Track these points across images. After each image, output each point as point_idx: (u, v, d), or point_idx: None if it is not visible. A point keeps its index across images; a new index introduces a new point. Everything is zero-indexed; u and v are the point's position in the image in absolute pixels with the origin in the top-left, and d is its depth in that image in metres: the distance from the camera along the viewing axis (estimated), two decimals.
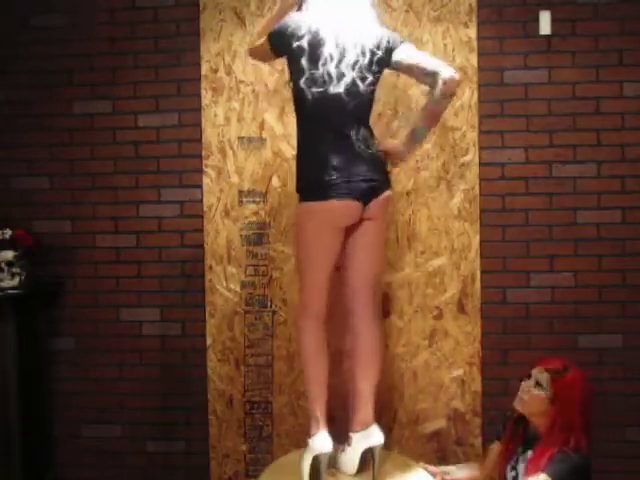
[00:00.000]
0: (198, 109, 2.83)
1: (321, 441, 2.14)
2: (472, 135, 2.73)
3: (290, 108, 2.71)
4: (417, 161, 2.74)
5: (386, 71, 2.64)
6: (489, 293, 2.75)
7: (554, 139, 2.73)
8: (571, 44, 2.72)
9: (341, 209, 2.12)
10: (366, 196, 2.13)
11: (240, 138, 2.81)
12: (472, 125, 2.73)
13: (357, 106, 2.16)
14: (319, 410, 2.19)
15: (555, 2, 2.70)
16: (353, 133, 2.14)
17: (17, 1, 2.91)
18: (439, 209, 2.75)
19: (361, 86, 2.13)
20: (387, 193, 2.22)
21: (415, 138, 2.27)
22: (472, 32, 2.72)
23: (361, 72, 2.14)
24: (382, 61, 2.18)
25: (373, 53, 2.14)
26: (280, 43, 2.18)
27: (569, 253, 2.74)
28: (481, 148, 2.74)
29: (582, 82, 2.72)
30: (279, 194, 2.80)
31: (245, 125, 2.81)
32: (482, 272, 2.75)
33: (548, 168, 2.74)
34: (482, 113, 2.73)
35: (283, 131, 2.77)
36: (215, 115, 2.82)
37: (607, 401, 2.65)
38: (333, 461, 2.21)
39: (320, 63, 2.10)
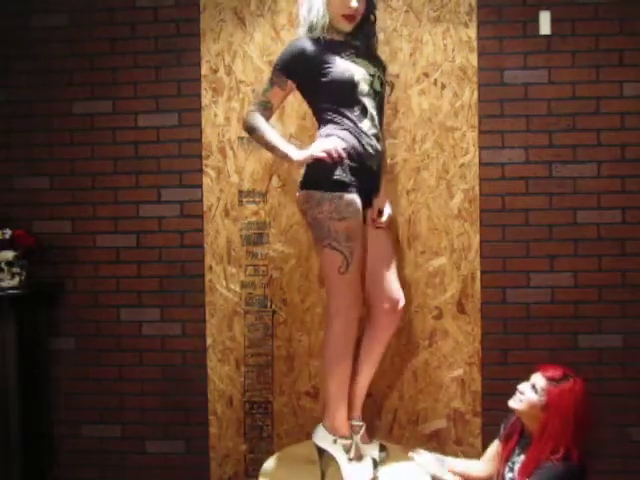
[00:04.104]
0: (198, 109, 2.83)
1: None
2: (472, 135, 2.73)
3: (290, 108, 2.73)
4: (417, 161, 2.74)
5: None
6: (489, 293, 2.75)
7: (554, 139, 2.73)
8: (571, 44, 2.72)
9: None
10: None
11: (240, 138, 2.81)
12: (472, 125, 2.73)
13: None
14: None
15: (555, 2, 2.70)
16: None
17: (17, 1, 2.91)
18: (439, 209, 2.75)
19: None
20: (297, 193, 2.33)
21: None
22: (472, 32, 2.72)
23: None
24: None
25: None
26: None
27: (569, 253, 2.74)
28: (481, 148, 2.74)
29: (582, 82, 2.72)
30: (279, 194, 2.80)
31: None
32: (482, 272, 2.75)
33: (548, 168, 2.74)
34: (482, 113, 2.73)
35: (283, 131, 2.76)
36: (215, 115, 2.82)
37: (607, 401, 2.65)
38: None
39: None
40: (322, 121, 2.31)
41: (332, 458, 2.25)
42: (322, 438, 2.28)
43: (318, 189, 2.20)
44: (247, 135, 2.44)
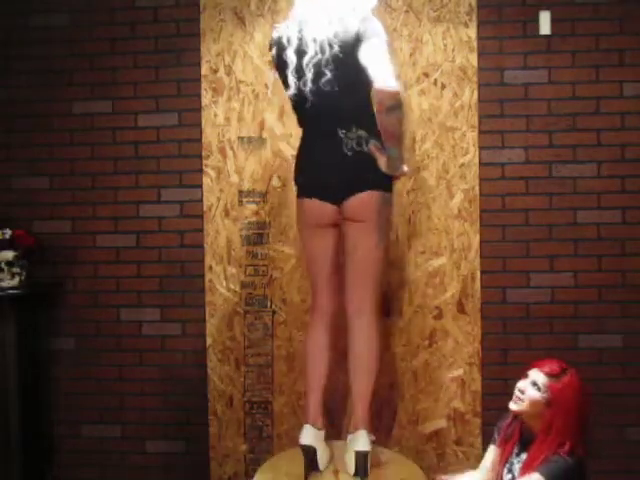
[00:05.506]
0: (198, 109, 2.83)
1: (303, 433, 2.18)
2: (472, 135, 2.73)
3: (290, 108, 2.72)
4: (417, 161, 2.74)
5: None
6: (489, 293, 2.76)
7: (554, 139, 2.73)
8: (571, 44, 2.72)
9: (309, 207, 2.23)
10: (336, 196, 2.17)
11: (240, 138, 2.81)
12: (472, 125, 2.73)
13: (339, 105, 2.12)
14: (311, 402, 2.25)
15: (555, 2, 2.70)
16: (342, 133, 2.13)
17: (17, 1, 2.91)
18: (439, 209, 2.75)
19: (322, 84, 2.10)
20: (365, 193, 2.13)
21: (389, 158, 2.11)
22: (472, 32, 2.72)
23: (319, 69, 2.10)
24: (341, 56, 2.08)
25: (331, 48, 2.09)
26: (274, 57, 2.26)
27: (569, 253, 2.74)
28: (481, 148, 2.74)
29: (582, 82, 2.72)
30: (279, 194, 2.80)
31: (245, 125, 2.81)
32: (482, 272, 2.75)
33: (548, 168, 2.74)
34: (482, 113, 2.73)
35: (283, 131, 2.77)
36: (215, 115, 2.82)
37: (607, 401, 2.65)
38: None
39: (287, 65, 2.16)
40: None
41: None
42: (369, 444, 2.12)
43: (388, 191, 2.21)
44: (392, 107, 1.99)
